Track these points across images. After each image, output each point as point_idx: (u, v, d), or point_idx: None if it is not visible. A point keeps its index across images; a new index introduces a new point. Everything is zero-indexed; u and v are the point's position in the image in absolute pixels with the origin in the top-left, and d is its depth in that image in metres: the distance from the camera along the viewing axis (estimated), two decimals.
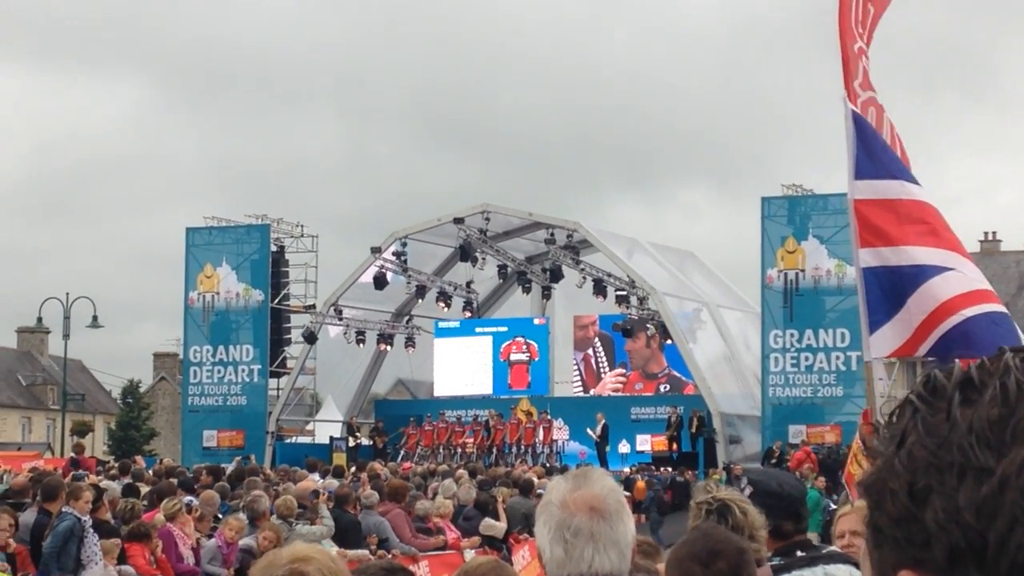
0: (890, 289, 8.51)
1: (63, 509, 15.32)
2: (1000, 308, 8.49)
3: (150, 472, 28.58)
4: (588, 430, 47.21)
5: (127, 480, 24.95)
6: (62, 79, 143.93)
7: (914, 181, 8.77)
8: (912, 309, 8.45)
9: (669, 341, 48.51)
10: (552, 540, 3.98)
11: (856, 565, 6.28)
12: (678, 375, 52.60)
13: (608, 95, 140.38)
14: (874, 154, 8.74)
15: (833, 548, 6.70)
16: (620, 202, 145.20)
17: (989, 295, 8.55)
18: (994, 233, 72.92)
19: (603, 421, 46.62)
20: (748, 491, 6.12)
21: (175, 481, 22.24)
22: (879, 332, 8.56)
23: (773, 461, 40.88)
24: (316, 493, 20.31)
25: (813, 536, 8.68)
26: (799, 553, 6.26)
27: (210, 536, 17.99)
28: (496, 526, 22.65)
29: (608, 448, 47.06)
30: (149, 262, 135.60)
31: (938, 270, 8.45)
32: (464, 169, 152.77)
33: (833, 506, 28.33)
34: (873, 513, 1.29)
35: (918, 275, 8.46)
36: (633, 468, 42.64)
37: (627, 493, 38.57)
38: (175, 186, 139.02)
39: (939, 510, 1.23)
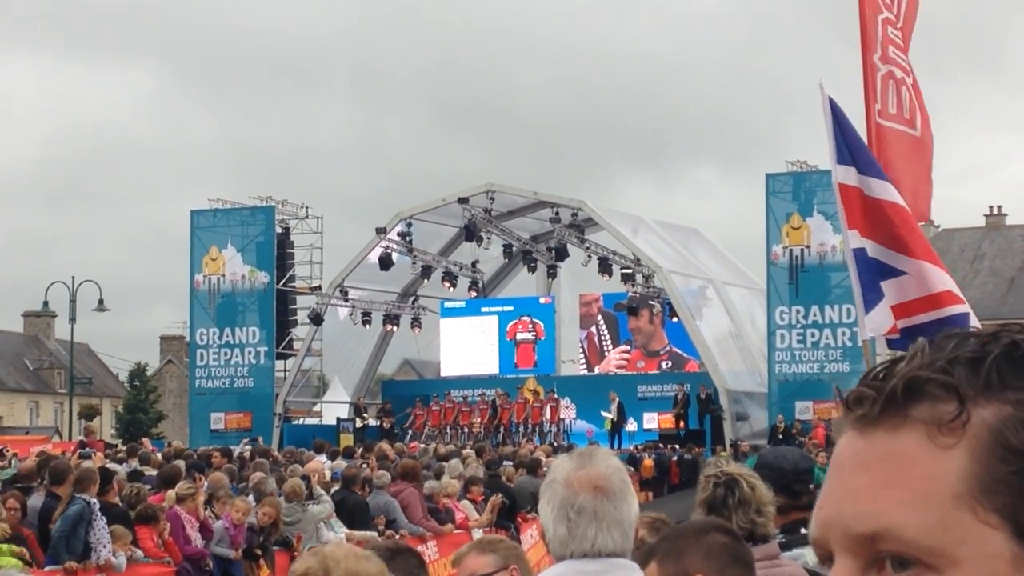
0: (877, 272, 8.59)
1: (74, 494, 15.34)
2: (959, 310, 8.56)
3: (159, 455, 28.63)
4: (603, 412, 47.18)
5: (134, 463, 24.98)
6: (79, 65, 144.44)
7: (885, 178, 8.82)
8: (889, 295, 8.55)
9: (673, 319, 48.49)
10: (555, 518, 3.98)
11: None
12: (680, 352, 52.58)
13: (618, 77, 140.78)
14: (852, 145, 8.83)
15: None
16: (629, 182, 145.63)
17: (953, 297, 8.61)
18: (999, 207, 72.78)
19: (617, 400, 46.58)
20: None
21: (182, 464, 22.23)
22: (875, 310, 8.61)
23: (780, 437, 40.92)
24: (307, 477, 20.36)
25: None
26: (803, 531, 6.27)
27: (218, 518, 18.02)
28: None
29: (626, 427, 47.08)
30: (157, 246, 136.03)
31: (898, 272, 8.55)
32: (475, 151, 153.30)
33: None
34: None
35: (887, 273, 8.55)
36: (639, 446, 42.69)
37: (632, 470, 38.73)
38: (190, 171, 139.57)
39: None
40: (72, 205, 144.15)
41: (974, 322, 8.54)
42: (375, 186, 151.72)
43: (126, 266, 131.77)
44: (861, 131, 9.90)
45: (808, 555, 6.08)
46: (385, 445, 32.09)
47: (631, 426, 48.62)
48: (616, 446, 42.90)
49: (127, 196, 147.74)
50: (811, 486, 6.55)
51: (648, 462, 39.31)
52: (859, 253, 8.64)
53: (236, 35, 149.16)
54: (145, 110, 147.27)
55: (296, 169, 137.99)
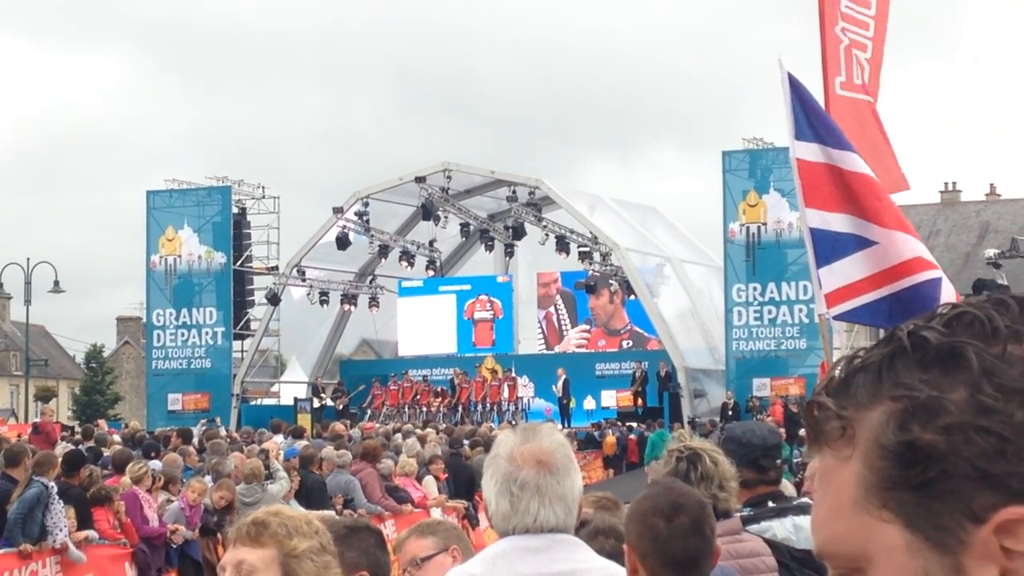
0: (834, 250, 8.60)
1: (32, 477, 15.27)
2: (931, 275, 8.57)
3: (116, 437, 28.47)
4: (553, 387, 47.31)
5: (90, 445, 24.84)
6: (51, 51, 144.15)
7: (851, 149, 8.81)
8: (849, 270, 8.56)
9: (632, 297, 48.58)
10: (498, 493, 3.96)
11: None
12: (640, 331, 52.68)
13: (581, 59, 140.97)
14: (813, 119, 8.81)
15: (805, 500, 6.72)
16: (590, 163, 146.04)
17: (922, 263, 8.62)
18: (954, 184, 73.15)
19: (564, 376, 46.69)
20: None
21: (134, 452, 22.12)
22: (829, 275, 8.64)
23: (730, 414, 41.09)
24: (265, 452, 20.33)
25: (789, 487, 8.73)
26: (770, 504, 6.29)
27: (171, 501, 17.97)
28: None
29: (573, 404, 47.17)
30: (117, 228, 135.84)
31: (868, 243, 8.56)
32: (438, 135, 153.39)
33: (798, 458, 28.52)
34: (936, 463, 1.27)
35: (855, 244, 8.56)
36: (605, 422, 42.78)
37: (595, 451, 38.83)
38: (157, 155, 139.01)
39: None
40: (37, 189, 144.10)
41: (947, 287, 8.57)
42: (338, 169, 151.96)
43: (84, 248, 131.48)
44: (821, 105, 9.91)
45: (776, 528, 6.10)
46: (339, 425, 32.02)
47: (589, 403, 48.72)
48: (566, 424, 43.01)
49: (92, 180, 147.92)
50: (778, 461, 6.57)
51: (611, 439, 39.40)
52: (815, 231, 8.65)
53: (207, 21, 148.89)
54: (115, 95, 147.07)
55: (263, 153, 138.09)
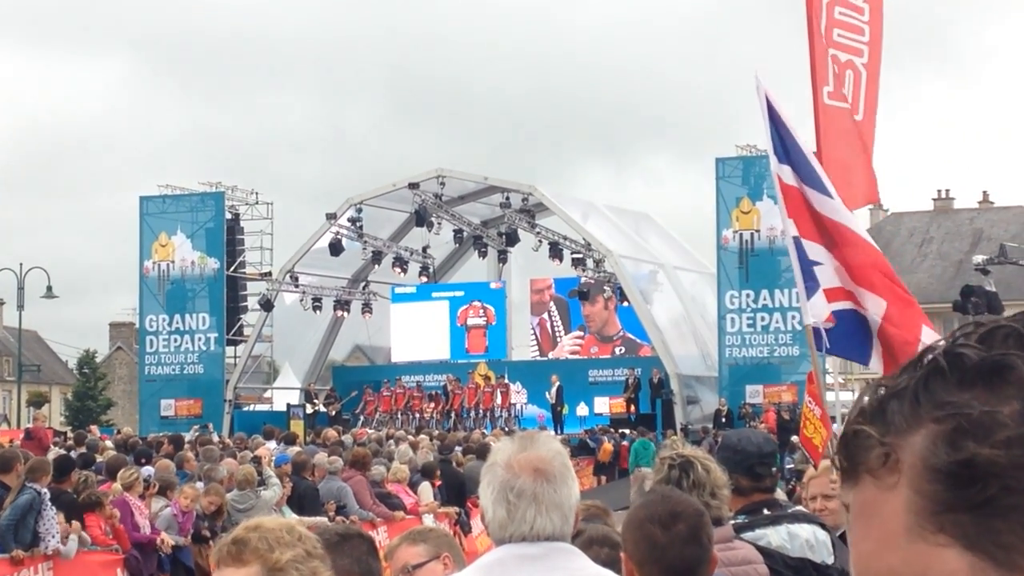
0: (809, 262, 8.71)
1: (25, 483, 15.25)
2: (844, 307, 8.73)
3: (108, 442, 28.44)
4: (547, 393, 47.29)
5: (82, 451, 24.83)
6: (47, 57, 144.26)
7: (816, 185, 8.84)
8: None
9: (625, 303, 48.57)
10: (495, 501, 3.96)
11: (821, 525, 6.31)
12: (633, 337, 52.64)
13: (576, 66, 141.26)
14: (788, 144, 8.85)
15: (799, 508, 6.72)
16: (584, 170, 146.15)
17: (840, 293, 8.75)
18: (947, 191, 73.28)
19: (557, 383, 46.70)
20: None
21: (128, 457, 22.11)
22: (816, 296, 8.69)
23: (723, 421, 41.12)
24: (258, 459, 20.31)
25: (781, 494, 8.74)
26: (765, 512, 6.28)
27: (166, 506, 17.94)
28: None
29: (565, 411, 47.14)
30: (111, 234, 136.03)
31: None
32: (432, 141, 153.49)
33: (790, 464, 28.51)
34: (997, 479, 1.22)
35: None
36: (598, 429, 42.77)
37: (587, 457, 38.81)
38: (152, 161, 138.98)
39: None
40: (30, 194, 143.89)
41: (873, 314, 8.68)
42: (331, 175, 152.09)
43: (78, 254, 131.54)
44: (809, 113, 9.96)
45: (771, 536, 6.09)
46: (331, 431, 32.03)
47: (582, 410, 48.69)
48: (559, 431, 43.02)
49: (85, 185, 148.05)
50: (773, 469, 6.58)
51: (608, 446, 39.41)
52: (798, 240, 8.71)
53: (201, 27, 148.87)
54: (109, 100, 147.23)
55: (257, 159, 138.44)
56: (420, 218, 49.76)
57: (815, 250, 8.67)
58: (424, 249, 53.71)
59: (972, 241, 68.43)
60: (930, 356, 1.30)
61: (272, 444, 27.64)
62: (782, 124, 8.89)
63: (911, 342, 8.32)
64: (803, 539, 6.12)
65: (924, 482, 1.25)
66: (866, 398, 1.33)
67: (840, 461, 1.34)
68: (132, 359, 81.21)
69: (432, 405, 48.09)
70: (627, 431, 42.12)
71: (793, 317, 43.75)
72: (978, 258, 39.88)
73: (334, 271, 53.06)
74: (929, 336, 8.47)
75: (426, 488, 23.21)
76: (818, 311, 8.73)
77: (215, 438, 31.29)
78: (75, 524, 15.99)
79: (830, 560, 6.17)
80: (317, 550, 3.83)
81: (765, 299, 44.54)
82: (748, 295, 44.77)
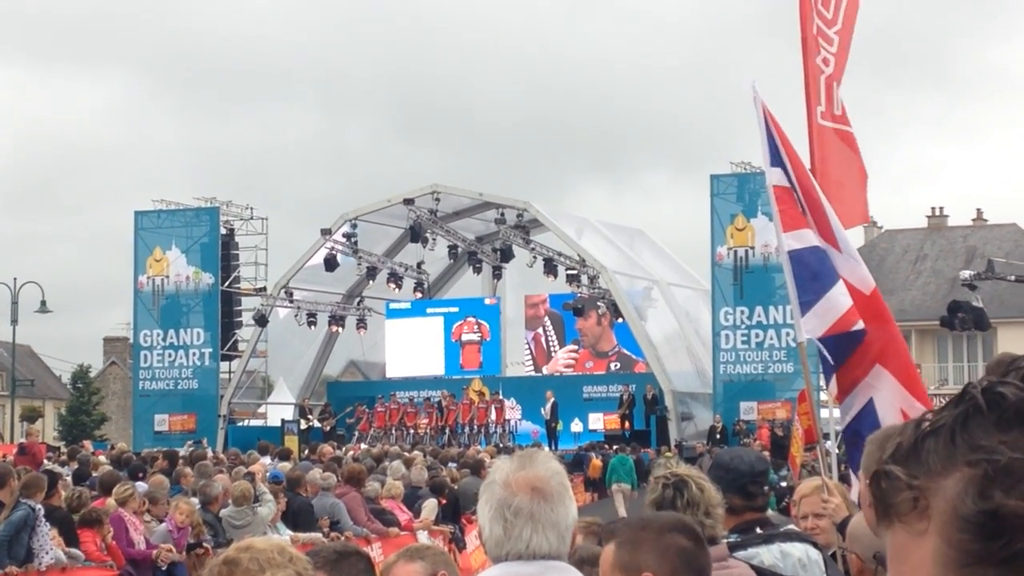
0: (816, 271, 8.62)
1: (19, 499, 15.22)
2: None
3: (101, 457, 28.40)
4: (542, 409, 47.27)
5: (75, 466, 24.79)
6: (46, 72, 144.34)
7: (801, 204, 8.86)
8: (834, 297, 8.60)
9: (619, 319, 48.60)
10: (492, 519, 3.99)
11: (813, 544, 6.33)
12: (628, 353, 52.65)
13: (574, 82, 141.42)
14: (782, 151, 8.86)
15: (791, 526, 6.74)
16: (580, 186, 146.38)
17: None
18: (941, 209, 73.31)
19: (552, 399, 46.68)
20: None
21: (122, 473, 22.06)
22: (810, 313, 8.65)
23: (718, 437, 41.10)
24: (252, 475, 20.29)
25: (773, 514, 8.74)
26: (757, 530, 6.30)
27: (161, 520, 17.91)
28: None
29: (560, 427, 47.12)
30: (106, 249, 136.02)
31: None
32: (430, 157, 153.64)
33: (783, 483, 28.46)
34: (1016, 538, 1.16)
35: (833, 270, 8.62)
36: (586, 445, 42.71)
37: (579, 474, 38.74)
38: (150, 176, 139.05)
39: None
40: (24, 209, 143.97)
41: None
42: (326, 190, 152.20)
43: (72, 269, 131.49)
44: (803, 133, 9.98)
45: (764, 554, 6.11)
46: (327, 447, 32.01)
47: (576, 426, 48.67)
48: (553, 447, 42.97)
49: (80, 200, 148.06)
50: (765, 488, 6.58)
51: (596, 462, 39.34)
52: (794, 255, 8.68)
53: (198, 43, 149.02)
54: (105, 116, 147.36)
55: (252, 174, 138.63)
56: (415, 234, 49.81)
57: (807, 236, 8.61)
58: (419, 265, 53.77)
59: (966, 258, 68.40)
60: (971, 392, 1.24)
61: (267, 459, 27.59)
62: (772, 133, 8.90)
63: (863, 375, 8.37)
64: (796, 558, 6.13)
65: (954, 531, 1.19)
66: (905, 435, 1.27)
67: (873, 500, 1.28)
68: (126, 374, 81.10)
69: (426, 421, 48.08)
70: (615, 447, 42.11)
71: (787, 334, 43.75)
72: (965, 273, 39.50)
73: (329, 286, 53.09)
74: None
75: (431, 504, 23.12)
76: (811, 327, 8.70)
77: (209, 453, 31.25)
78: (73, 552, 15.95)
79: None
80: (308, 571, 3.84)
81: (759, 316, 44.57)
82: (742, 312, 44.80)
